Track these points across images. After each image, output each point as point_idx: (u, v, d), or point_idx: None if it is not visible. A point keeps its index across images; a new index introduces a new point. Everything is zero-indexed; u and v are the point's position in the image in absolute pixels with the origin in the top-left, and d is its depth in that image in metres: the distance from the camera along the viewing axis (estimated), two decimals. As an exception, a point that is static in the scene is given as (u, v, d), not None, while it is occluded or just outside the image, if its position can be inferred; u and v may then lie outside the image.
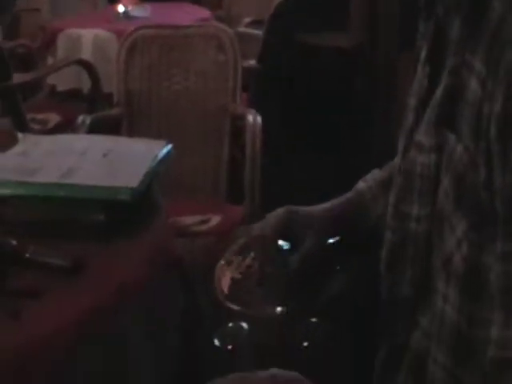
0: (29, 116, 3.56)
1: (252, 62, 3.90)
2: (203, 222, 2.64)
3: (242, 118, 2.99)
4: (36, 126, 3.63)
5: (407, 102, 1.25)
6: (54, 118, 3.80)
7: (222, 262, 1.54)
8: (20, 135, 1.93)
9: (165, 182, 1.81)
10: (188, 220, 2.60)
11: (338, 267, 1.48)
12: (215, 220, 2.67)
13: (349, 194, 1.48)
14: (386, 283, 1.26)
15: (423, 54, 1.22)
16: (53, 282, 1.38)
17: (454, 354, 1.10)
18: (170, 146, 1.77)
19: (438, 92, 1.13)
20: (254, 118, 2.94)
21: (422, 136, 1.17)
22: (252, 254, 1.52)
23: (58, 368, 1.28)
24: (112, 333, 1.37)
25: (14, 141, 1.84)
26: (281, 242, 1.49)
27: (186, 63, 3.11)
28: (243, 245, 1.56)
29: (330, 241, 1.50)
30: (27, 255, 1.42)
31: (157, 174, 1.69)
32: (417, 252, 1.18)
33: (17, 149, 1.77)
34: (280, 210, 1.46)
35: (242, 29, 4.64)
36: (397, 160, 1.28)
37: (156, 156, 1.70)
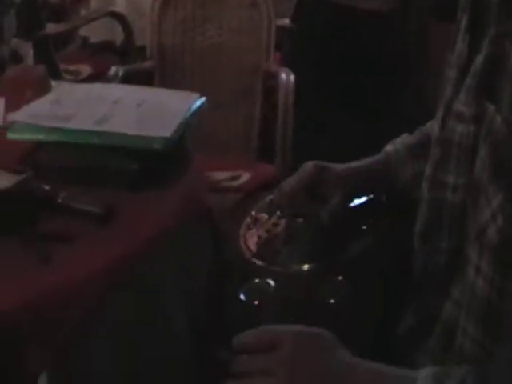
0: (61, 67, 3.56)
1: (286, 21, 3.86)
2: (234, 178, 2.63)
3: (275, 76, 2.96)
4: (68, 77, 3.62)
5: (446, 72, 1.23)
6: (86, 70, 3.79)
7: (249, 219, 1.55)
8: (54, 83, 1.94)
9: (197, 137, 1.81)
10: (219, 176, 2.59)
11: (365, 228, 1.47)
12: (246, 177, 2.65)
13: (377, 156, 1.48)
14: (421, 255, 1.25)
15: (463, 23, 1.20)
16: (84, 228, 1.38)
17: (484, 326, 1.09)
18: (203, 99, 1.77)
19: (478, 61, 1.12)
20: (287, 77, 2.91)
21: (462, 105, 1.15)
22: (278, 213, 1.52)
23: (90, 314, 1.28)
24: (142, 280, 1.38)
25: (48, 88, 1.85)
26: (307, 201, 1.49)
27: (219, 19, 3.08)
28: (270, 203, 1.56)
29: (357, 201, 1.50)
30: (59, 200, 1.43)
31: (190, 126, 1.69)
32: (453, 222, 1.17)
33: (51, 96, 1.77)
34: (309, 165, 1.45)
35: (276, -13, 4.60)
36: (434, 130, 1.27)
37: (190, 107, 1.70)
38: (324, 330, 1.05)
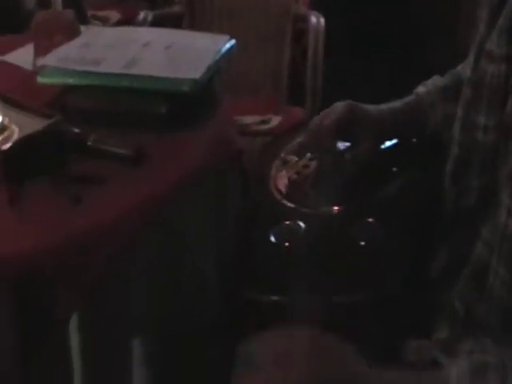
0: (89, 13, 3.54)
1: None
2: (263, 122, 2.62)
3: (305, 19, 2.93)
4: (96, 23, 3.60)
5: (478, 13, 1.22)
6: (114, 16, 3.77)
7: (279, 161, 1.54)
8: (83, 27, 1.93)
9: (226, 80, 1.80)
10: (248, 119, 2.59)
11: (396, 170, 1.47)
12: (275, 121, 2.65)
13: (409, 98, 1.47)
14: (451, 195, 1.25)
15: None
16: (114, 170, 1.39)
17: None
18: (233, 41, 1.75)
19: (511, 3, 1.11)
20: (317, 20, 2.89)
21: (494, 45, 1.14)
22: (309, 155, 1.52)
23: (119, 256, 1.29)
24: (171, 222, 1.38)
25: (76, 32, 1.84)
26: (339, 143, 1.48)
27: (248, -39, 3.05)
28: (300, 144, 1.55)
29: (388, 143, 1.49)
30: (89, 143, 1.43)
31: (219, 68, 1.68)
32: (483, 163, 1.17)
33: (80, 39, 1.76)
34: (341, 104, 1.44)
35: None
36: (466, 71, 1.26)
37: (219, 50, 1.69)
38: (340, 340, 0.99)
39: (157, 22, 2.83)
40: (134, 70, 1.56)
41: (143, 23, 2.75)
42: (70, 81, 1.58)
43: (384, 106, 1.48)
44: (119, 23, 3.62)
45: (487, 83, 1.15)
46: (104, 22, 3.68)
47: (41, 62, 1.66)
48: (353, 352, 0.95)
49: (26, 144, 1.38)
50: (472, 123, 1.18)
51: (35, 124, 1.46)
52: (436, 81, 1.48)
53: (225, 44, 1.72)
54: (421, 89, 1.48)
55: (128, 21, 3.23)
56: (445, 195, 1.26)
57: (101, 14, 3.74)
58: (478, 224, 1.17)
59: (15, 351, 1.24)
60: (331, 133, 1.44)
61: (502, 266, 1.10)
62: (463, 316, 1.19)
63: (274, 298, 1.34)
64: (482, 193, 1.17)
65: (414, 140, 1.50)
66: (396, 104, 1.48)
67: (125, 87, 1.54)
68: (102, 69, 1.57)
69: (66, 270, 1.25)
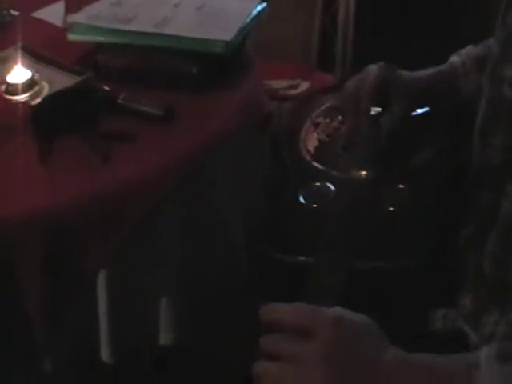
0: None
1: None
2: (292, 86, 2.60)
3: (335, -13, 2.91)
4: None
5: None
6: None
7: (310, 123, 1.53)
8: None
9: (256, 44, 1.79)
10: (277, 84, 2.57)
11: (428, 138, 1.46)
12: (304, 85, 2.63)
13: (442, 67, 1.46)
14: (478, 152, 1.24)
15: None
16: (144, 128, 1.39)
17: None
18: (264, 4, 1.74)
19: None
20: (347, -12, 2.86)
21: None
22: (340, 118, 1.51)
23: (149, 211, 1.30)
24: (201, 182, 1.38)
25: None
26: (372, 108, 1.47)
27: None
28: (332, 107, 1.54)
29: (421, 111, 1.48)
30: (119, 101, 1.42)
31: (250, 31, 1.66)
32: (509, 118, 1.16)
33: (110, -2, 1.75)
34: (375, 67, 1.44)
35: None
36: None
37: (250, 12, 1.67)
38: (366, 318, 0.91)
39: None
40: (166, 30, 1.55)
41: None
42: (101, 38, 1.57)
43: (419, 73, 1.47)
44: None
45: None
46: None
47: (72, 18, 1.65)
48: (377, 332, 0.92)
49: (55, 100, 1.38)
50: (499, 77, 1.17)
51: (65, 80, 1.46)
52: (470, 50, 1.47)
53: (256, 6, 1.70)
54: (454, 58, 1.47)
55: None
56: (474, 155, 1.26)
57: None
58: (504, 181, 1.16)
59: (44, 302, 1.25)
60: (367, 96, 1.43)
61: None
62: (491, 276, 1.18)
63: (301, 258, 1.34)
64: (508, 150, 1.16)
65: (448, 109, 1.49)
66: (429, 71, 1.47)
67: (156, 47, 1.53)
68: (133, 27, 1.56)
69: (94, 225, 1.27)
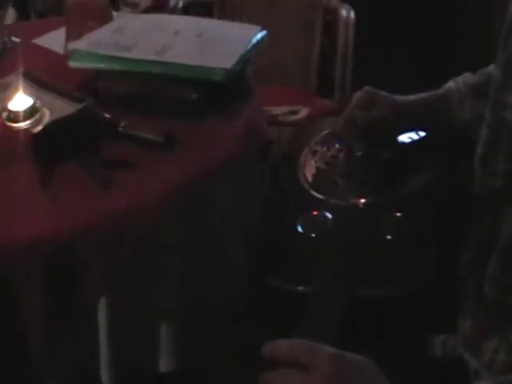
0: (120, -1, 3.56)
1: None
2: (292, 112, 2.62)
3: (335, 12, 2.93)
4: (127, 9, 3.61)
5: None
6: (144, 2, 3.77)
7: (308, 151, 1.54)
8: (115, 13, 1.94)
9: (256, 70, 1.80)
10: (277, 110, 2.58)
11: (424, 164, 1.46)
12: (304, 111, 2.64)
13: (438, 91, 1.46)
14: (480, 178, 1.24)
15: None
16: (144, 155, 1.40)
17: None
18: (264, 32, 1.75)
19: None
20: (347, 13, 2.88)
21: None
22: (337, 145, 1.52)
23: (148, 238, 1.30)
24: (201, 208, 1.39)
25: (109, 17, 1.84)
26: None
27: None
28: (329, 135, 1.55)
29: (416, 137, 1.49)
30: (120, 128, 1.44)
31: (250, 58, 1.68)
32: (511, 142, 1.16)
33: (112, 25, 1.77)
34: (359, 92, 1.46)
35: None
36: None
37: (250, 40, 1.69)
38: (366, 359, 0.92)
39: (187, 9, 2.83)
40: (166, 57, 1.56)
41: (174, 10, 2.75)
42: (102, 65, 1.58)
43: (412, 97, 1.48)
44: (149, 9, 3.62)
45: None
46: (134, 8, 3.68)
47: (73, 46, 1.67)
48: (375, 371, 0.92)
49: (57, 127, 1.39)
50: (501, 102, 1.17)
51: (67, 107, 1.47)
52: (467, 78, 1.47)
53: (256, 34, 1.72)
54: (451, 84, 1.47)
55: (158, 7, 3.23)
56: (475, 180, 1.26)
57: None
58: (505, 206, 1.17)
59: (45, 328, 1.26)
60: (361, 124, 1.45)
61: None
62: (491, 300, 1.19)
63: (299, 288, 1.34)
64: (509, 175, 1.17)
65: (443, 134, 1.50)
66: (425, 95, 1.48)
67: (156, 74, 1.54)
68: (134, 55, 1.57)
69: (94, 251, 1.27)
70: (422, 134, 1.50)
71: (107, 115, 1.45)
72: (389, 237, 1.35)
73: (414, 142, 1.49)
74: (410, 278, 1.32)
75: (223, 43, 1.66)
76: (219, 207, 1.43)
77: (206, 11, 2.95)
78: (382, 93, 1.46)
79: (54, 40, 1.90)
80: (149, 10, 3.46)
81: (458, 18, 3.71)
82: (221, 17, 2.97)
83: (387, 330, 1.25)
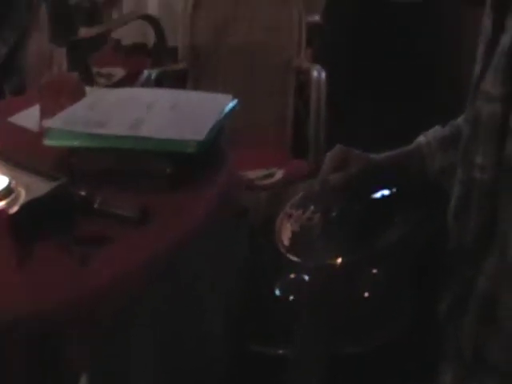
0: (94, 70, 3.59)
1: (316, 17, 3.86)
2: (267, 176, 2.64)
3: (307, 72, 2.97)
4: (101, 80, 3.66)
5: (477, 51, 1.23)
6: (119, 72, 3.82)
7: (283, 214, 1.56)
8: (87, 88, 1.96)
9: (230, 134, 1.82)
10: (252, 174, 2.60)
11: (397, 218, 1.48)
12: (279, 174, 2.66)
13: (409, 147, 1.48)
14: (454, 233, 1.26)
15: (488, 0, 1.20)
16: (120, 231, 1.41)
17: None
18: (235, 101, 1.78)
19: (505, 41, 1.12)
20: (318, 73, 2.91)
21: (489, 85, 1.15)
22: (312, 207, 1.53)
23: (126, 311, 1.31)
24: (178, 279, 1.41)
25: (82, 94, 1.87)
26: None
27: (250, 18, 3.09)
28: (303, 198, 1.57)
29: (389, 192, 1.51)
30: (95, 206, 1.45)
31: (223, 127, 1.70)
32: (481, 201, 1.18)
33: (85, 101, 1.79)
34: (331, 152, 1.47)
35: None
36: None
37: (222, 109, 1.71)
38: None
39: (161, 80, 2.87)
40: (139, 132, 1.58)
41: (147, 81, 2.79)
42: (76, 143, 1.60)
43: (384, 154, 1.50)
44: (124, 80, 3.67)
45: (483, 123, 1.17)
46: (109, 79, 3.73)
47: (47, 123, 1.69)
48: None
49: (32, 207, 1.41)
50: (470, 162, 1.20)
51: (42, 186, 1.48)
52: (436, 131, 1.49)
53: (228, 104, 1.74)
54: (421, 138, 1.49)
55: (132, 77, 3.27)
56: (449, 234, 1.28)
57: (105, 70, 3.79)
58: (478, 260, 1.18)
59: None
60: (335, 184, 1.46)
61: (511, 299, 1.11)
62: (470, 354, 1.20)
63: (279, 351, 1.35)
64: (482, 229, 1.19)
65: (415, 188, 1.51)
66: (396, 152, 1.49)
67: (130, 149, 1.56)
68: (108, 131, 1.59)
69: (73, 329, 1.27)
70: (395, 189, 1.52)
71: (82, 192, 1.47)
72: (366, 294, 1.36)
73: (387, 196, 1.51)
74: (388, 331, 1.33)
75: (196, 114, 1.69)
76: (196, 275, 1.45)
77: (179, 80, 2.98)
78: (354, 151, 1.48)
79: (28, 118, 1.92)
80: (123, 81, 3.51)
81: (430, 73, 3.76)
82: (194, 84, 3.01)
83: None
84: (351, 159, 1.46)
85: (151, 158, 1.56)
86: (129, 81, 3.45)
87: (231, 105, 1.75)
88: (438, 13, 3.76)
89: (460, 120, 1.44)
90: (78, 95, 1.83)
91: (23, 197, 1.48)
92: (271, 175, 2.66)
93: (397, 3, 3.77)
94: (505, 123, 1.12)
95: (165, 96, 1.82)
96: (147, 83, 2.78)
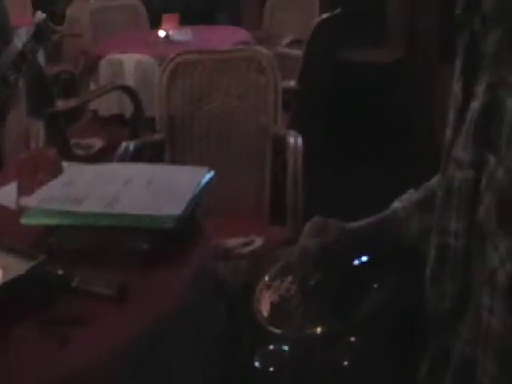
0: (72, 141, 3.62)
1: (292, 83, 3.91)
2: (246, 244, 2.64)
3: (283, 139, 2.99)
4: (80, 151, 3.68)
5: (448, 117, 1.25)
6: (97, 143, 3.84)
7: (262, 285, 1.57)
8: (65, 164, 1.98)
9: (208, 203, 1.84)
10: (231, 242, 2.61)
11: (375, 285, 1.49)
12: (258, 242, 2.67)
13: (385, 213, 1.50)
14: (430, 298, 1.27)
15: (458, 65, 1.22)
16: (99, 309, 1.41)
17: (501, 366, 1.11)
18: (212, 173, 1.80)
19: (474, 108, 1.14)
20: (295, 140, 2.94)
21: (460, 152, 1.17)
22: (290, 278, 1.54)
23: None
24: (157, 354, 1.40)
25: (59, 170, 1.89)
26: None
27: (226, 86, 3.12)
28: (282, 268, 1.58)
29: (364, 259, 1.52)
30: (74, 284, 1.46)
31: (200, 200, 1.72)
32: (456, 266, 1.19)
33: (62, 178, 1.81)
34: (309, 223, 1.49)
35: (281, 49, 4.65)
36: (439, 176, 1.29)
37: (199, 183, 1.73)
38: None
39: (139, 151, 2.89)
40: (116, 209, 1.59)
41: (125, 153, 2.81)
42: (53, 221, 1.61)
43: (360, 223, 1.51)
44: (102, 150, 3.69)
45: (456, 189, 1.18)
46: (87, 149, 3.75)
47: (24, 202, 1.70)
48: None
49: (10, 289, 1.41)
50: (444, 228, 1.21)
51: (19, 265, 1.48)
52: (411, 195, 1.51)
53: (204, 176, 1.76)
54: (396, 204, 1.51)
55: (111, 148, 3.29)
56: (426, 299, 1.28)
57: (83, 141, 3.82)
58: (455, 325, 1.19)
59: None
60: (308, 254, 1.47)
61: (489, 364, 1.11)
62: None
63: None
64: (456, 295, 1.20)
65: (392, 254, 1.52)
66: (372, 219, 1.50)
67: (108, 226, 1.57)
68: (84, 208, 1.60)
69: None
70: (372, 255, 1.53)
71: (60, 271, 1.47)
72: (345, 363, 1.37)
73: (364, 263, 1.52)
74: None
75: (173, 189, 1.71)
76: (175, 351, 1.45)
77: (156, 151, 3.00)
78: (331, 220, 1.49)
79: (5, 195, 1.93)
80: (101, 152, 3.53)
81: (406, 131, 3.81)
82: (172, 153, 3.03)
83: None
84: (328, 229, 1.47)
85: (128, 235, 1.57)
86: (107, 151, 3.47)
87: (207, 177, 1.77)
88: (409, 72, 3.81)
89: (434, 181, 1.46)
90: (56, 171, 1.85)
91: (0, 276, 1.48)
92: (250, 243, 2.66)
93: (368, 64, 3.82)
94: (476, 189, 1.13)
95: (142, 171, 1.84)
96: (125, 155, 2.80)
